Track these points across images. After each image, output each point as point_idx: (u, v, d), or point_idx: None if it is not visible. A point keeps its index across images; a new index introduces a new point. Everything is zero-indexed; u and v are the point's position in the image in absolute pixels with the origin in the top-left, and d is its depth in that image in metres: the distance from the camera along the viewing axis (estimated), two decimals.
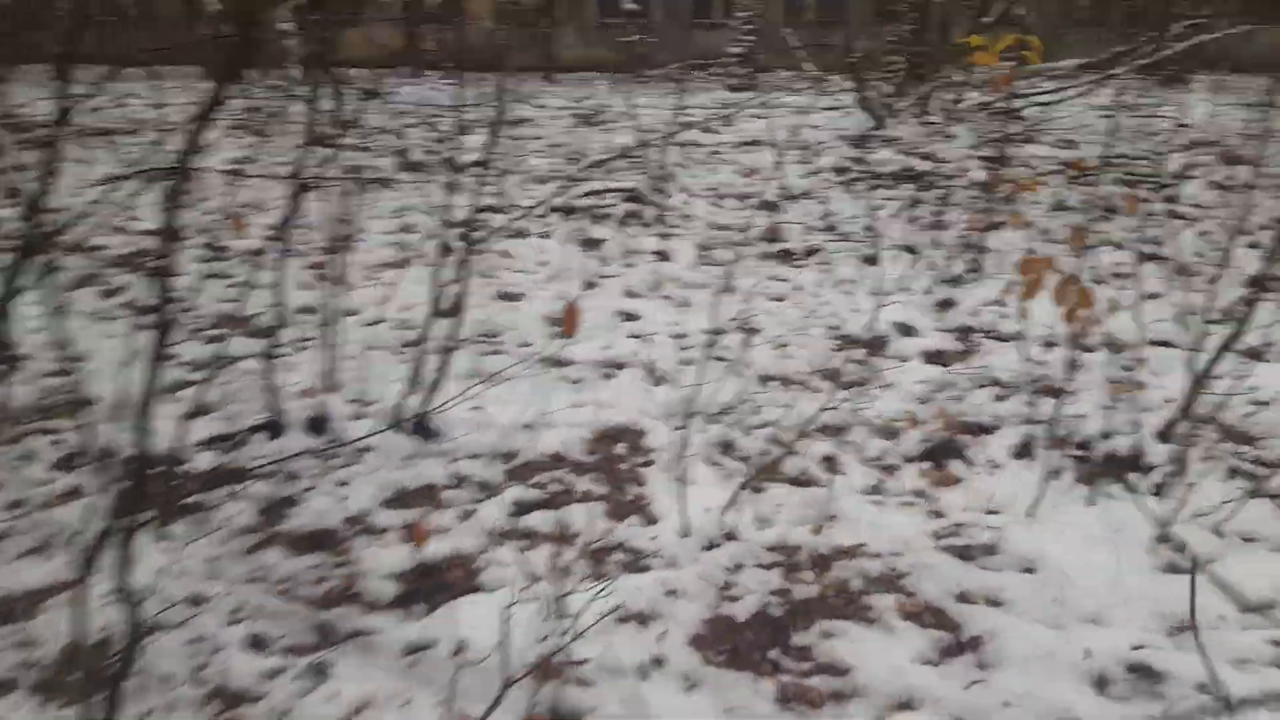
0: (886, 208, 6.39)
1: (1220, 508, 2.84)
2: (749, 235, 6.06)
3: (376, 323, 4.60)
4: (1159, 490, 3.02)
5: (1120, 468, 3.25)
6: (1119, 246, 5.39)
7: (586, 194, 6.14)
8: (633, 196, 6.27)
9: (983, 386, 3.99)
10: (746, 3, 14.31)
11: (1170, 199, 6.32)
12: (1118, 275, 5.08)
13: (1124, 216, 5.93)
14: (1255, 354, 3.99)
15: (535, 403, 3.69)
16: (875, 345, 4.44)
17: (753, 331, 4.56)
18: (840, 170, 7.51)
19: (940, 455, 3.49)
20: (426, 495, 3.16)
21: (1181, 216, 5.85)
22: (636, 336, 4.48)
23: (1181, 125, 8.87)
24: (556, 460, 3.39)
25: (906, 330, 4.59)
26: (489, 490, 3.19)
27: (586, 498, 3.15)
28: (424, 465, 3.31)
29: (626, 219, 6.11)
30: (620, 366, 4.17)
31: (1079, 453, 3.42)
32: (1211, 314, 4.30)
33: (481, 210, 6.38)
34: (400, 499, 3.13)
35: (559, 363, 4.19)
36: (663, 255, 5.59)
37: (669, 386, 3.92)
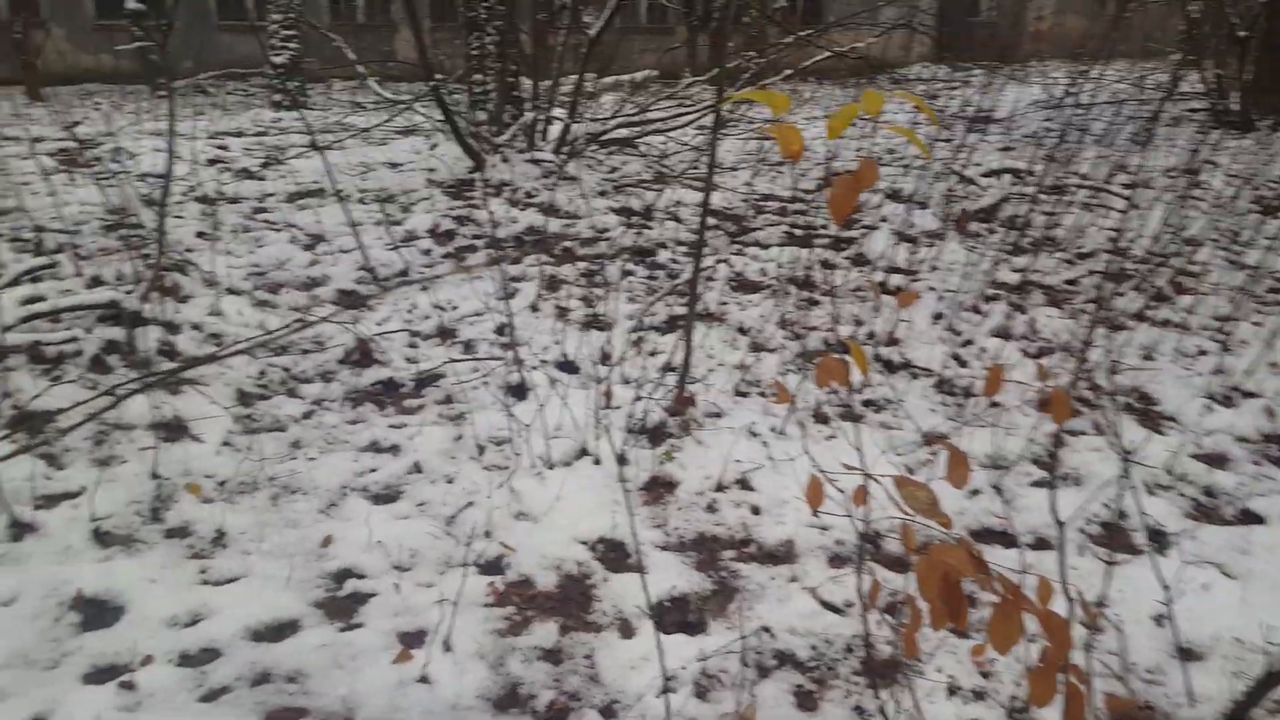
0: (520, 294, 4.60)
1: None
2: (325, 359, 3.90)
3: None
4: None
5: None
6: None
7: (27, 320, 3.52)
8: (113, 311, 3.76)
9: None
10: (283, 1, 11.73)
11: (858, 261, 5.25)
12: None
13: (831, 301, 4.72)
14: None
15: None
16: (570, 597, 2.60)
17: (351, 629, 2.45)
18: (443, 235, 5.55)
19: None
20: None
21: (888, 289, 4.78)
22: None
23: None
24: None
25: (610, 552, 2.82)
26: None
27: None
28: None
29: (103, 357, 3.58)
30: None
31: None
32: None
33: None
34: None
35: None
36: (174, 430, 3.20)
37: None
